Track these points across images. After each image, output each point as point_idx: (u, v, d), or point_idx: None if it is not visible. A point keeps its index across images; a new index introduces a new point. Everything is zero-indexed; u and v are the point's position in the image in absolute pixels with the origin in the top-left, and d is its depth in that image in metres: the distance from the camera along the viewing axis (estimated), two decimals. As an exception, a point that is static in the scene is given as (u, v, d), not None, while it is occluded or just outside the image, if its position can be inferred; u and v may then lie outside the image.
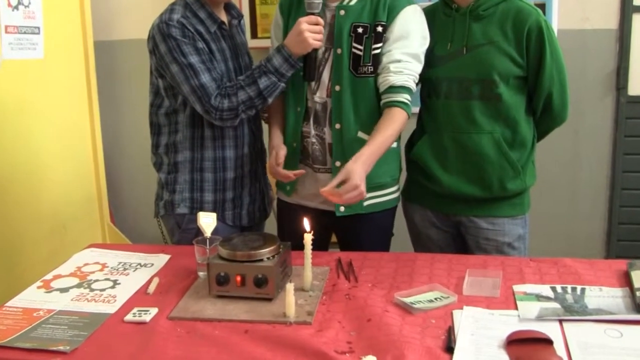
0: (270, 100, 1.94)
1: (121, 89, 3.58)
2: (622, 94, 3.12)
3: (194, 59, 1.89)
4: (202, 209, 1.99)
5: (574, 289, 1.59)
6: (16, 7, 2.52)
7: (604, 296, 1.55)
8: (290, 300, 1.48)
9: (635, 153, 3.17)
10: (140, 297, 1.65)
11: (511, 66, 1.92)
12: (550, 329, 1.38)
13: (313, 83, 1.97)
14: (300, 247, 1.64)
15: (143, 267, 1.85)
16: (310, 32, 1.85)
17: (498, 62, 1.91)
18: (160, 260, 1.90)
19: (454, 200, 2.04)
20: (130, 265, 1.86)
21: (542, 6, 2.97)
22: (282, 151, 1.98)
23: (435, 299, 1.55)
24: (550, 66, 1.92)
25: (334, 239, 2.18)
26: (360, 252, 1.89)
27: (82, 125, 3.07)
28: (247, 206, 2.11)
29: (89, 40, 3.06)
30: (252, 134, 2.10)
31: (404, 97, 1.88)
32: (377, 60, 1.92)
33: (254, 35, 3.28)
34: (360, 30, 1.91)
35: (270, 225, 2.21)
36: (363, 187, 1.71)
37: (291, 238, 1.77)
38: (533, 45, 1.90)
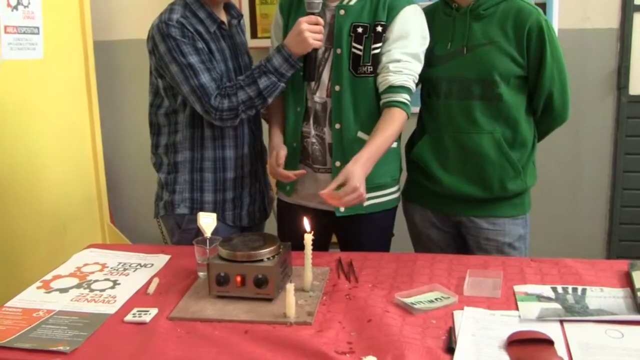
0: (270, 100, 1.94)
1: (121, 89, 3.58)
2: (623, 93, 3.11)
3: (193, 59, 1.88)
4: (202, 209, 1.99)
5: (575, 290, 1.59)
6: (15, 7, 2.52)
7: (605, 297, 1.55)
8: (290, 300, 1.48)
9: (636, 153, 3.16)
10: (140, 298, 1.65)
11: (512, 66, 1.91)
12: (551, 330, 1.38)
13: (313, 83, 1.97)
14: (301, 247, 1.63)
15: (143, 268, 1.85)
16: (310, 32, 1.84)
17: (498, 62, 1.91)
18: (160, 260, 1.89)
19: (455, 201, 2.04)
20: (130, 266, 1.86)
21: (543, 5, 2.97)
22: (283, 151, 1.97)
23: (436, 299, 1.55)
24: (550, 66, 1.92)
25: (334, 239, 2.18)
26: (360, 253, 1.89)
27: (82, 125, 3.07)
28: (247, 206, 2.11)
29: (89, 40, 3.06)
30: (252, 134, 2.10)
31: (404, 97, 1.87)
32: (376, 60, 1.91)
33: (254, 35, 3.28)
34: (360, 30, 1.91)
35: (271, 226, 2.21)
36: (362, 190, 1.70)
37: (291, 238, 1.77)
38: (534, 44, 1.90)
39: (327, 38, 1.93)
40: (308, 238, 1.60)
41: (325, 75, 1.96)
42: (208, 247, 1.70)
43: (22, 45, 2.58)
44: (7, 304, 1.63)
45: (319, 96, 1.97)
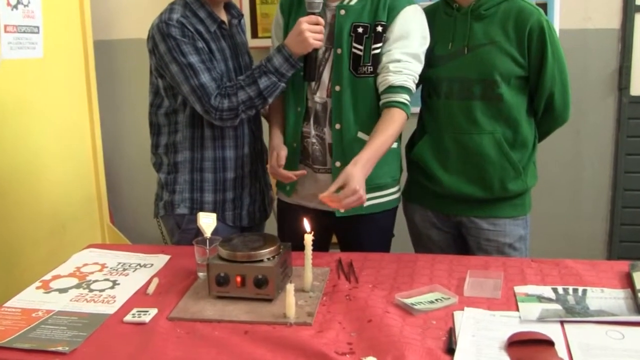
0: (270, 100, 1.94)
1: (121, 89, 3.58)
2: (625, 94, 3.11)
3: (193, 59, 1.88)
4: (202, 210, 1.99)
5: (575, 290, 1.58)
6: (15, 7, 2.52)
7: (606, 297, 1.54)
8: (290, 301, 1.47)
9: (637, 153, 3.16)
10: (140, 298, 1.65)
11: (512, 66, 1.91)
12: (551, 331, 1.37)
13: (313, 83, 1.96)
14: (301, 247, 1.63)
15: (142, 268, 1.84)
16: (311, 32, 1.84)
17: (499, 62, 1.90)
18: (160, 260, 1.89)
19: (455, 201, 2.03)
20: (129, 266, 1.86)
21: (544, 6, 2.97)
22: (283, 152, 1.97)
23: (436, 300, 1.55)
24: (551, 66, 1.91)
25: (334, 239, 2.18)
26: (360, 253, 1.88)
27: (82, 125, 3.06)
28: (247, 206, 2.11)
29: (89, 39, 3.06)
30: (252, 134, 2.09)
31: (403, 98, 1.87)
32: (376, 60, 1.91)
33: (255, 34, 3.28)
34: (360, 30, 1.91)
35: (271, 226, 2.21)
36: (362, 192, 1.70)
37: (291, 238, 1.76)
38: (534, 45, 1.89)
39: (327, 38, 1.93)
40: (308, 238, 1.59)
41: (326, 75, 1.95)
42: (208, 247, 1.70)
43: (22, 45, 2.57)
44: (6, 304, 1.62)
45: (319, 96, 1.96)
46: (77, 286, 1.73)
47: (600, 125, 3.16)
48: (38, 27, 2.66)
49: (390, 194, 2.05)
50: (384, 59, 1.89)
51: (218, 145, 2.02)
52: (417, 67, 1.91)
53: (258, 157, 2.15)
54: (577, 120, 2.92)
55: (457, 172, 1.99)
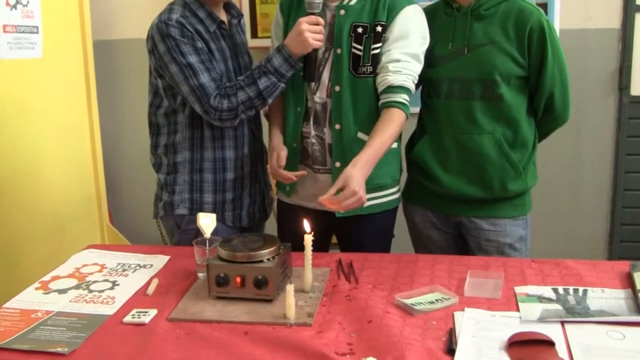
0: (270, 100, 1.93)
1: (120, 89, 3.57)
2: (625, 94, 3.11)
3: (193, 59, 1.88)
4: (201, 210, 1.98)
5: (576, 291, 1.58)
6: (14, 7, 2.51)
7: (607, 298, 1.54)
8: (290, 301, 1.47)
9: (637, 153, 3.16)
10: (140, 299, 1.64)
11: (513, 66, 1.91)
12: (552, 331, 1.37)
13: (313, 83, 1.96)
14: (301, 248, 1.63)
15: (142, 268, 1.84)
16: (311, 32, 1.84)
17: (499, 62, 1.90)
18: (160, 261, 1.89)
19: (455, 201, 2.03)
20: (129, 266, 1.85)
21: (544, 6, 2.97)
22: (283, 152, 1.97)
23: (436, 300, 1.54)
24: (552, 66, 1.91)
25: (334, 240, 2.17)
26: (360, 253, 1.88)
27: (81, 125, 3.06)
28: (247, 207, 2.10)
29: (88, 39, 3.06)
30: (252, 134, 2.09)
31: (402, 98, 1.86)
32: (376, 60, 1.90)
33: (254, 34, 3.28)
34: (360, 30, 1.90)
35: (271, 226, 2.20)
36: (362, 193, 1.69)
37: (291, 239, 1.76)
38: (535, 45, 1.89)
39: (327, 38, 1.93)
40: (308, 239, 1.59)
41: (326, 76, 1.95)
42: (208, 247, 1.69)
43: (21, 45, 2.57)
44: (6, 305, 1.62)
45: (319, 96, 1.96)
46: (77, 287, 1.72)
47: (601, 125, 3.16)
48: (37, 27, 2.65)
49: (390, 194, 2.05)
50: (384, 58, 1.89)
51: (218, 146, 2.02)
52: (417, 67, 1.91)
53: (258, 158, 2.14)
54: (578, 120, 2.92)
55: (457, 172, 1.99)
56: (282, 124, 2.04)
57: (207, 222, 1.73)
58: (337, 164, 1.93)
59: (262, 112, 2.15)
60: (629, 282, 1.62)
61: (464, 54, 1.94)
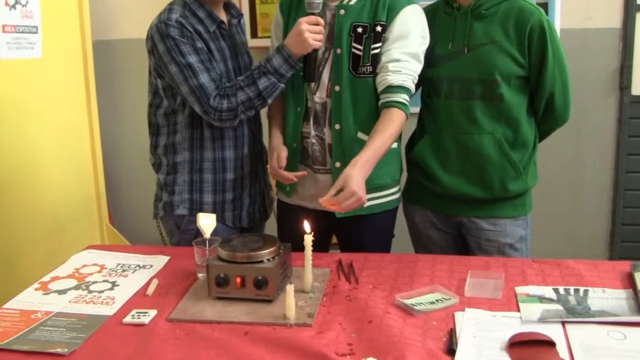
0: (269, 101, 1.93)
1: (120, 89, 3.57)
2: (626, 93, 3.10)
3: (192, 59, 1.87)
4: (201, 210, 1.98)
5: (576, 291, 1.58)
6: (13, 6, 2.51)
7: (607, 298, 1.54)
8: (290, 301, 1.47)
9: (638, 153, 3.15)
10: (139, 299, 1.64)
11: (513, 66, 1.90)
12: (552, 331, 1.37)
13: (313, 83, 1.96)
14: (301, 248, 1.62)
15: (142, 269, 1.84)
16: (311, 32, 1.83)
17: (500, 62, 1.90)
18: (159, 261, 1.88)
19: (455, 201, 2.03)
20: (129, 267, 1.85)
21: (545, 5, 2.97)
22: (284, 153, 1.97)
23: (437, 300, 1.54)
24: (552, 66, 1.91)
25: (334, 240, 2.17)
26: (361, 254, 1.88)
27: (81, 125, 3.06)
28: (247, 207, 2.10)
29: (88, 39, 3.05)
30: (251, 134, 2.09)
31: (402, 97, 1.86)
32: (376, 60, 1.90)
33: (254, 34, 3.27)
34: (360, 30, 1.90)
35: (271, 227, 2.20)
36: (361, 193, 1.69)
37: (291, 239, 1.75)
38: (535, 45, 1.89)
39: (327, 38, 1.92)
40: (308, 239, 1.59)
41: (325, 76, 1.95)
42: (207, 248, 1.69)
43: (21, 45, 2.57)
44: (5, 306, 1.62)
45: (319, 96, 1.96)
46: (76, 287, 1.72)
47: (602, 125, 3.16)
48: (36, 27, 2.65)
49: (391, 194, 2.04)
50: (383, 58, 1.89)
51: (217, 146, 2.01)
52: (417, 67, 1.91)
53: (258, 158, 2.14)
54: (578, 119, 2.92)
55: (457, 172, 1.99)
56: (282, 124, 2.04)
57: (206, 222, 1.72)
58: (337, 164, 1.93)
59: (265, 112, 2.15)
60: (630, 282, 1.61)
61: (464, 53, 1.94)
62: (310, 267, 1.61)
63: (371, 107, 1.92)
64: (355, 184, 1.68)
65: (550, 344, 1.31)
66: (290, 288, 1.46)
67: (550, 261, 1.76)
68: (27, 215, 2.67)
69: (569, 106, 2.00)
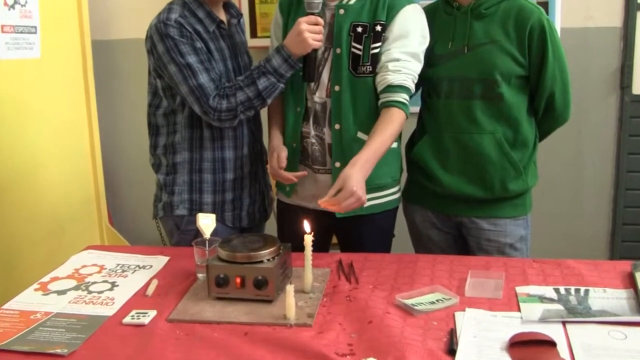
0: (269, 101, 1.93)
1: (119, 89, 3.57)
2: (626, 92, 3.10)
3: (192, 59, 1.87)
4: (201, 211, 1.98)
5: (577, 291, 1.58)
6: (12, 7, 2.51)
7: (608, 298, 1.54)
8: (290, 302, 1.46)
9: (639, 153, 3.14)
10: (139, 299, 1.64)
11: (513, 65, 1.90)
12: (553, 331, 1.37)
13: (312, 83, 1.95)
14: (301, 248, 1.62)
15: (141, 269, 1.83)
16: (310, 32, 1.83)
17: (500, 62, 1.89)
18: (159, 262, 1.88)
19: (455, 201, 2.02)
20: (128, 267, 1.85)
21: (545, 4, 2.97)
22: (284, 153, 1.96)
23: (437, 300, 1.54)
24: (552, 65, 1.90)
25: (334, 240, 2.17)
26: (361, 254, 1.87)
27: (80, 125, 3.06)
28: (247, 207, 2.10)
29: (87, 39, 3.05)
30: (251, 134, 2.08)
31: (402, 97, 1.86)
32: (375, 59, 1.90)
33: (254, 34, 3.27)
34: (359, 29, 1.90)
35: (271, 227, 2.20)
36: (361, 193, 1.68)
37: (291, 239, 1.75)
38: (535, 44, 1.88)
39: (326, 38, 1.92)
40: (308, 239, 1.58)
41: (325, 76, 1.94)
42: (207, 248, 1.69)
43: (20, 45, 2.56)
44: (5, 306, 1.61)
45: (319, 96, 1.95)
46: (76, 288, 1.72)
47: (602, 124, 3.16)
48: (35, 27, 2.65)
49: (391, 194, 2.04)
50: (383, 58, 1.88)
51: (217, 146, 2.01)
52: (417, 67, 1.90)
53: (258, 158, 2.13)
54: (579, 119, 2.91)
55: (457, 172, 1.98)
56: (282, 124, 2.03)
57: (206, 222, 1.72)
58: (337, 164, 1.93)
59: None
60: (631, 282, 1.61)
61: (464, 53, 1.93)
62: (310, 267, 1.61)
63: (371, 106, 1.92)
64: (355, 184, 1.67)
65: (551, 344, 1.31)
66: (290, 288, 1.46)
67: (551, 261, 1.76)
68: (27, 216, 2.66)
69: (569, 106, 1.99)
